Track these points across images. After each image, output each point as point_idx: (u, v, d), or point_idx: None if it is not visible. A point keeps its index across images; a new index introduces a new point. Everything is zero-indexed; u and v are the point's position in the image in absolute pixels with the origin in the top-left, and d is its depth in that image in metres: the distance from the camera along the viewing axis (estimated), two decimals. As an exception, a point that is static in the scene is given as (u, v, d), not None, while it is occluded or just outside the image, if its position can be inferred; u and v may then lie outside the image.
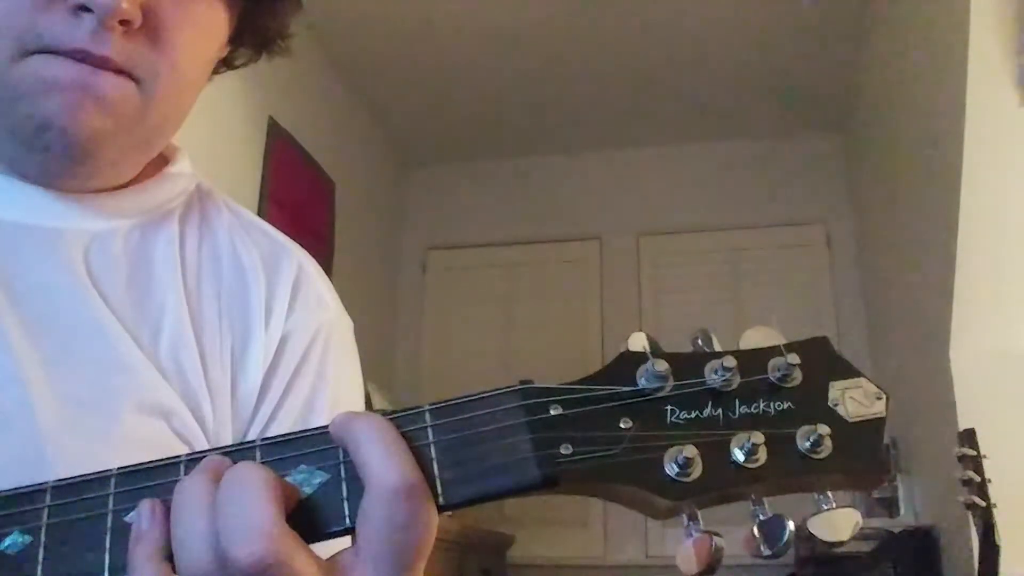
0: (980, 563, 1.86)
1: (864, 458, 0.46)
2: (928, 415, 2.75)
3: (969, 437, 1.92)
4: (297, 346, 0.70)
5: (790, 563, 3.36)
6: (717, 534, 0.44)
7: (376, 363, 4.06)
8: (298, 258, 0.76)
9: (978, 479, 1.85)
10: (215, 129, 2.89)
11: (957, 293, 2.44)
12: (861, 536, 2.87)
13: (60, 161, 0.63)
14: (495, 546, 3.78)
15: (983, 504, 1.84)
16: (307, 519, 0.43)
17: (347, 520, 0.43)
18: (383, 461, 0.42)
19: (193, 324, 0.66)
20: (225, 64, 0.76)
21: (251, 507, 0.41)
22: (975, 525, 1.88)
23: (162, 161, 0.74)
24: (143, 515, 0.44)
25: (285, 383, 0.68)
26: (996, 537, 1.82)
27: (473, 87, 4.05)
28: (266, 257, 0.74)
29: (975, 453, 1.89)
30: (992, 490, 1.85)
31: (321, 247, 3.62)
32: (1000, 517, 1.84)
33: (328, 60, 3.80)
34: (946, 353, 2.47)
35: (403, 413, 0.45)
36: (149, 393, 0.60)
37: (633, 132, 4.39)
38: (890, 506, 3.13)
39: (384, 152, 4.52)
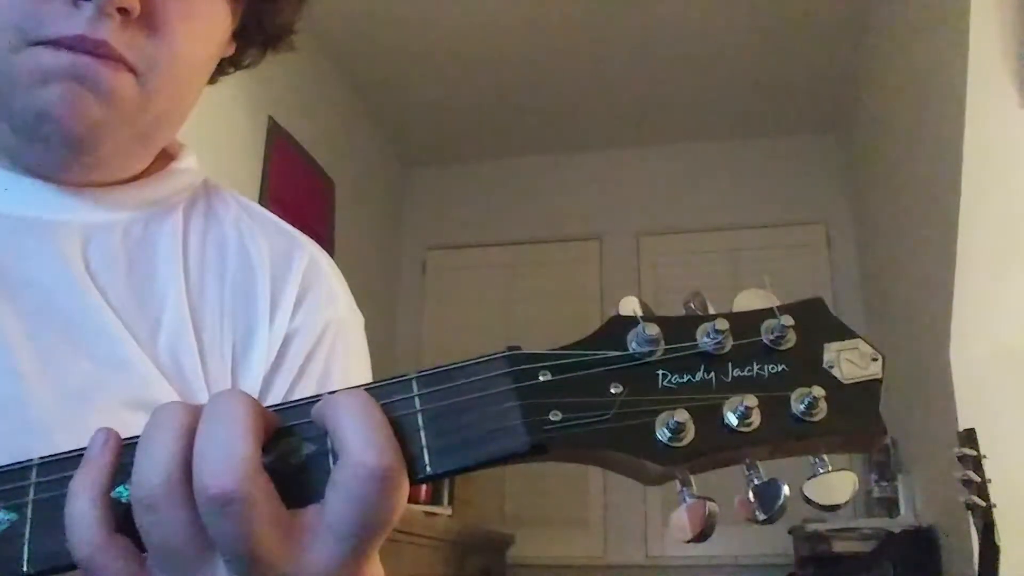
0: (980, 563, 1.85)
1: (860, 419, 0.44)
2: (928, 415, 2.75)
3: (969, 437, 1.92)
4: (303, 344, 0.68)
5: (790, 563, 3.36)
6: (711, 499, 0.43)
7: (376, 363, 4.05)
8: (310, 252, 0.74)
9: (978, 479, 1.85)
10: (215, 129, 2.89)
11: (957, 293, 2.44)
12: (861, 536, 2.87)
13: (59, 152, 0.62)
14: (495, 546, 3.78)
15: (983, 504, 1.83)
16: (293, 487, 0.42)
17: None
18: (362, 439, 0.41)
19: (193, 318, 0.65)
20: (232, 64, 0.76)
21: (231, 437, 0.40)
22: (975, 525, 1.88)
23: (167, 158, 0.73)
24: (95, 442, 0.43)
25: (289, 382, 0.67)
26: (996, 537, 1.82)
27: (473, 87, 4.05)
28: (276, 250, 0.72)
29: (975, 453, 1.88)
30: (992, 490, 1.85)
31: (321, 247, 3.61)
32: (1000, 517, 1.83)
33: (328, 60, 3.80)
34: (946, 353, 2.47)
35: (389, 381, 0.44)
36: (144, 389, 0.60)
37: (633, 132, 4.39)
38: (890, 506, 3.13)
39: (384, 152, 4.52)
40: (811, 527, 2.99)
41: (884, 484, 3.18)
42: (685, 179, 4.42)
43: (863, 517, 3.22)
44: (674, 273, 4.26)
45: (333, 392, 0.44)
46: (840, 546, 2.88)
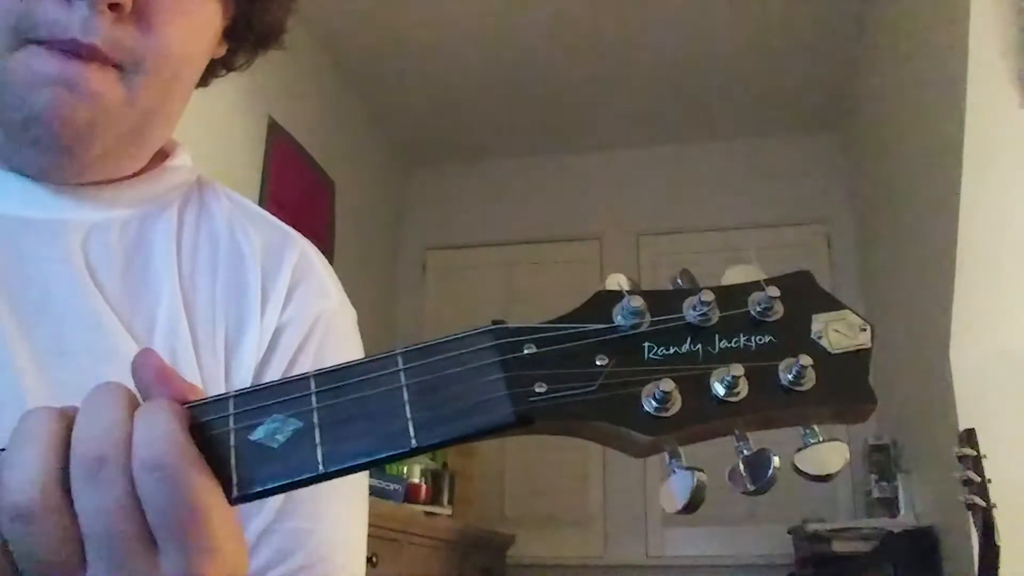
0: (980, 563, 1.85)
1: (849, 389, 0.44)
2: (928, 415, 2.75)
3: (969, 437, 1.92)
4: (294, 335, 0.69)
5: (790, 563, 3.36)
6: (700, 470, 0.42)
7: (376, 363, 4.06)
8: (301, 246, 0.75)
9: (978, 479, 1.85)
10: (215, 129, 2.89)
11: (957, 293, 2.44)
12: (861, 536, 2.87)
13: (50, 154, 0.63)
14: (495, 546, 3.78)
15: (983, 504, 1.83)
16: (279, 465, 0.42)
17: (320, 466, 0.42)
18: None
19: (187, 312, 0.66)
20: (224, 66, 0.76)
21: (164, 419, 0.41)
22: (975, 525, 1.88)
23: (162, 157, 0.74)
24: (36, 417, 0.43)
25: (280, 374, 0.67)
26: (996, 537, 1.82)
27: (473, 87, 4.05)
28: (268, 245, 0.73)
29: (975, 453, 1.88)
30: (992, 490, 1.85)
31: (321, 247, 3.56)
32: (1000, 517, 1.83)
33: (328, 60, 3.80)
34: (946, 353, 2.47)
35: (375, 358, 0.44)
36: None
37: (633, 132, 4.39)
38: (890, 506, 3.13)
39: (384, 152, 4.52)
40: (811, 527, 2.98)
41: (884, 484, 3.18)
42: (685, 179, 4.42)
43: (863, 517, 3.22)
44: (674, 273, 4.26)
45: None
46: (840, 546, 2.88)
